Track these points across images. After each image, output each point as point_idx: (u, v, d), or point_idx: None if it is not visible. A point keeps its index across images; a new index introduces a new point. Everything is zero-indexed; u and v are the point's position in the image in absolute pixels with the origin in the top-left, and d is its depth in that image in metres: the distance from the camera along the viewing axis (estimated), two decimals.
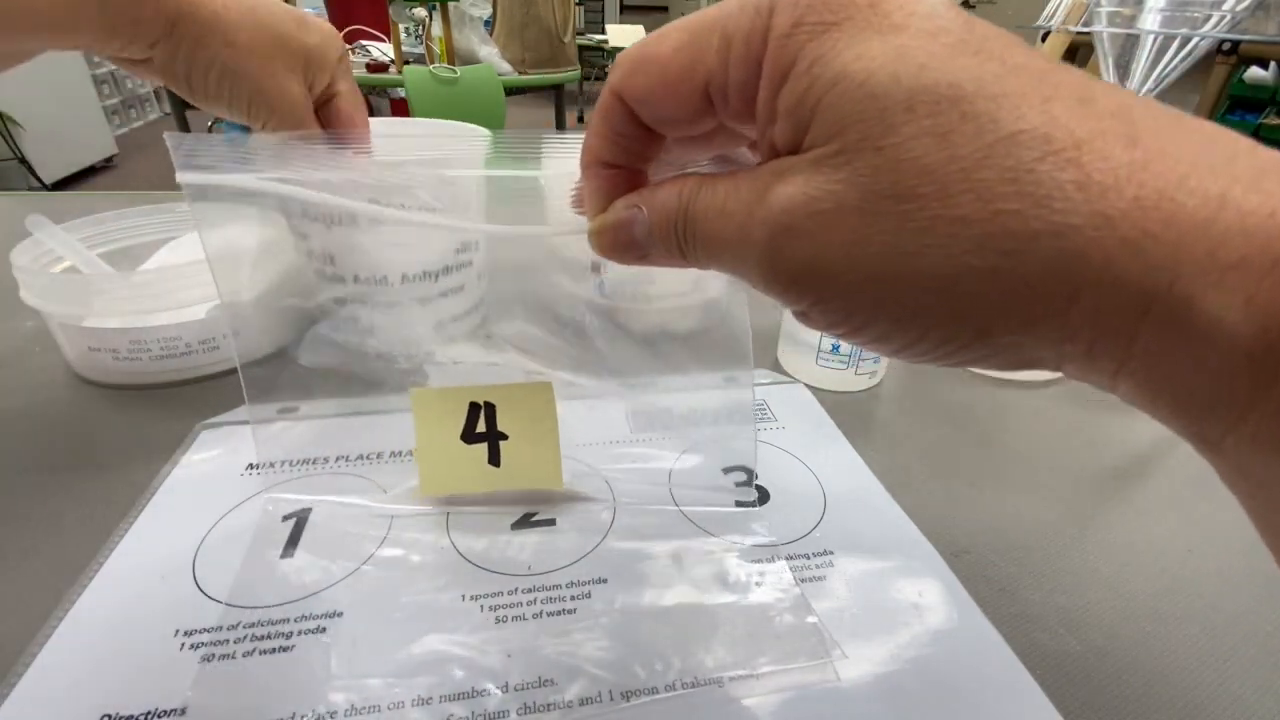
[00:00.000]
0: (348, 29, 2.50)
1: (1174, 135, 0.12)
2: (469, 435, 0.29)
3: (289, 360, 0.33)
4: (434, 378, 0.30)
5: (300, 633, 0.25)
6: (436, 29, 2.00)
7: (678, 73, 0.16)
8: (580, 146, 0.19)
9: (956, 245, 0.12)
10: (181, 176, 0.23)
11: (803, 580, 0.28)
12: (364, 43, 2.43)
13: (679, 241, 0.17)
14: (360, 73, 2.13)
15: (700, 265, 0.18)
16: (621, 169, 0.19)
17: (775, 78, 0.14)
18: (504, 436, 0.29)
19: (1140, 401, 0.13)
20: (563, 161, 0.22)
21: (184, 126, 2.41)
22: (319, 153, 0.24)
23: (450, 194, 0.24)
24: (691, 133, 0.18)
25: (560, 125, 2.72)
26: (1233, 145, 0.12)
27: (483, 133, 0.34)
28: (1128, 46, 0.42)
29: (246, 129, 0.31)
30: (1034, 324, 0.13)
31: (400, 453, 0.34)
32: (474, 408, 0.29)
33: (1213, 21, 0.39)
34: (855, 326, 0.15)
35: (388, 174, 0.24)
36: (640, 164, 0.19)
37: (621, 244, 0.19)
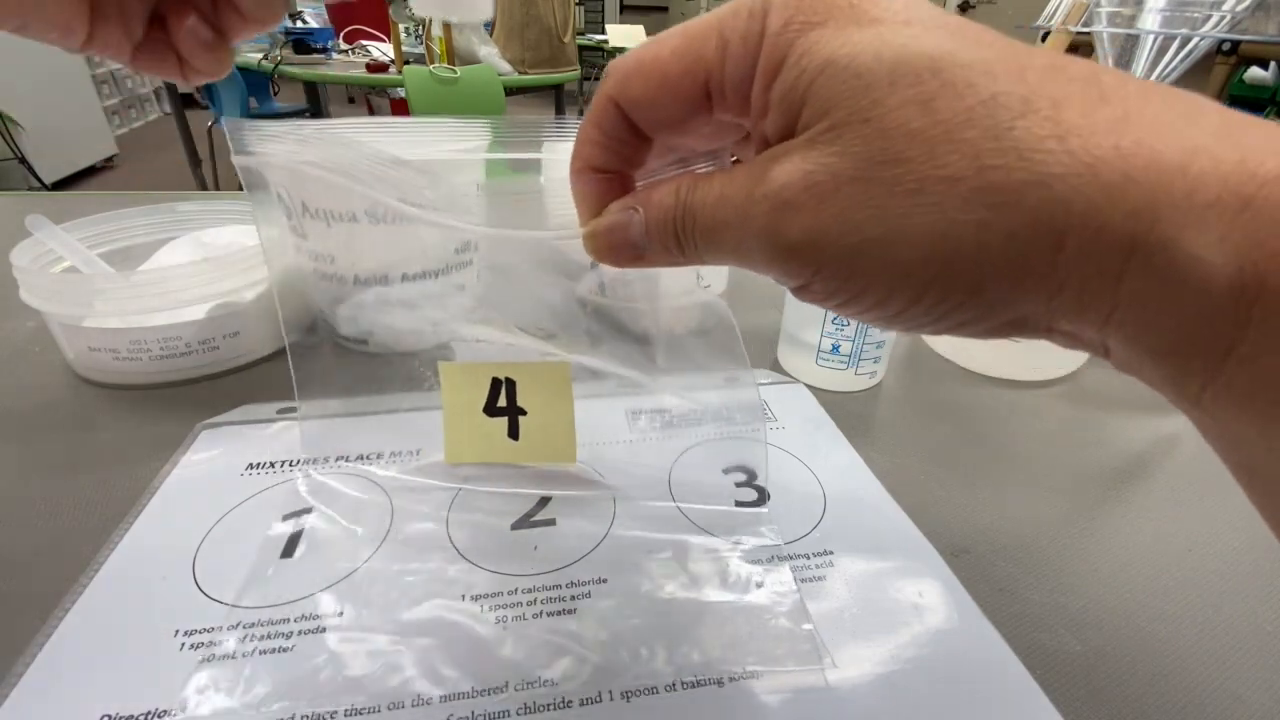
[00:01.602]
0: (348, 29, 2.50)
1: (1142, 97, 0.13)
2: (490, 408, 0.30)
3: (327, 352, 0.34)
4: (459, 354, 0.30)
5: (300, 633, 0.25)
6: (436, 29, 2.00)
7: (679, 73, 0.17)
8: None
9: (946, 202, 0.13)
10: (236, 159, 0.25)
11: (803, 580, 0.28)
12: (364, 43, 2.43)
13: (678, 236, 0.18)
14: (360, 73, 2.13)
15: (697, 259, 0.18)
16: (611, 174, 0.19)
17: (768, 72, 0.15)
18: (523, 412, 0.30)
19: (1128, 357, 0.14)
20: (562, 162, 0.22)
21: (184, 126, 2.41)
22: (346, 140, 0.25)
23: (449, 194, 0.25)
24: (683, 135, 0.19)
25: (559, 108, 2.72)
26: (1198, 105, 0.13)
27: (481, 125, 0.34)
28: (1128, 46, 0.42)
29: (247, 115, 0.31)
30: (1024, 276, 0.13)
31: (400, 453, 0.34)
32: (496, 383, 0.30)
33: (1213, 21, 0.39)
34: (854, 293, 0.15)
35: (389, 170, 0.25)
36: (629, 169, 0.20)
37: (616, 246, 0.19)
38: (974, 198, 0.13)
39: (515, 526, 0.30)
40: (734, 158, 0.20)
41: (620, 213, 0.19)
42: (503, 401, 0.30)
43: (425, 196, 0.25)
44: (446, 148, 0.28)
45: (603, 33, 4.38)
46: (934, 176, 0.13)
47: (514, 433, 0.30)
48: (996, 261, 0.13)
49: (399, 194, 0.24)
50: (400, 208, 0.24)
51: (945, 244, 0.13)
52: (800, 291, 0.17)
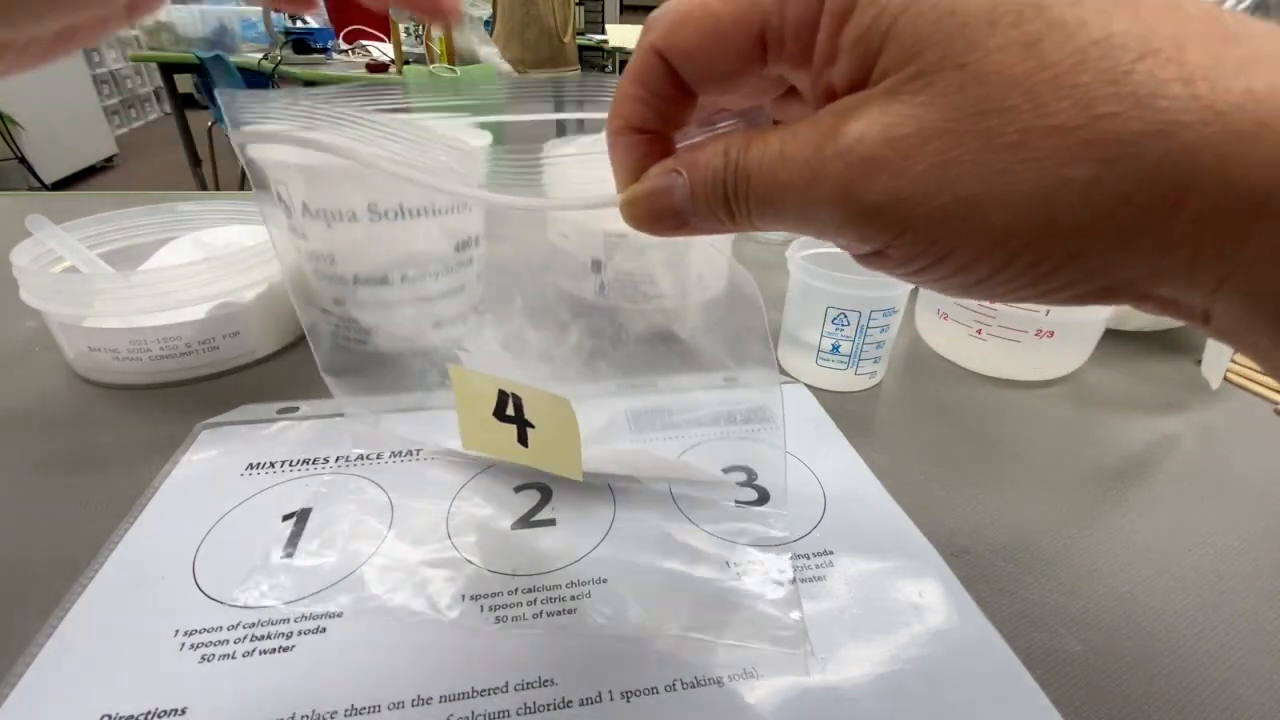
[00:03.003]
0: (348, 29, 2.50)
1: (1270, 37, 0.11)
2: (500, 415, 0.30)
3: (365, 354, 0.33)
4: (464, 361, 0.30)
5: (300, 633, 0.25)
6: (436, 29, 1.99)
7: (731, 20, 0.15)
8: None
9: (1052, 157, 0.12)
10: (234, 135, 0.23)
11: (803, 580, 0.28)
12: (364, 43, 2.43)
13: (729, 201, 0.16)
14: (360, 73, 2.13)
15: (749, 225, 0.17)
16: (651, 135, 0.18)
17: (839, 13, 0.14)
18: (530, 425, 0.29)
19: (1235, 324, 0.13)
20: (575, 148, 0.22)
21: (184, 126, 2.40)
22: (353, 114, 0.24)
23: (468, 166, 0.24)
24: (730, 90, 0.17)
25: (560, 127, 2.72)
26: None
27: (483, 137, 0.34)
28: None
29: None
30: (1133, 239, 0.12)
31: (400, 453, 0.34)
32: (503, 395, 0.29)
33: None
34: (937, 258, 0.14)
35: (410, 150, 0.24)
36: (671, 129, 0.18)
37: (658, 212, 0.18)
38: (1085, 151, 0.12)
39: (515, 526, 0.30)
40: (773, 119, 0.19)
41: (662, 176, 0.17)
42: (511, 411, 0.30)
43: (440, 161, 0.23)
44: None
45: (603, 33, 4.38)
46: (1040, 128, 0.12)
47: (523, 440, 0.30)
48: (1105, 223, 0.12)
49: (408, 162, 0.23)
50: (410, 174, 0.23)
51: (1049, 204, 0.12)
52: (872, 259, 0.15)
